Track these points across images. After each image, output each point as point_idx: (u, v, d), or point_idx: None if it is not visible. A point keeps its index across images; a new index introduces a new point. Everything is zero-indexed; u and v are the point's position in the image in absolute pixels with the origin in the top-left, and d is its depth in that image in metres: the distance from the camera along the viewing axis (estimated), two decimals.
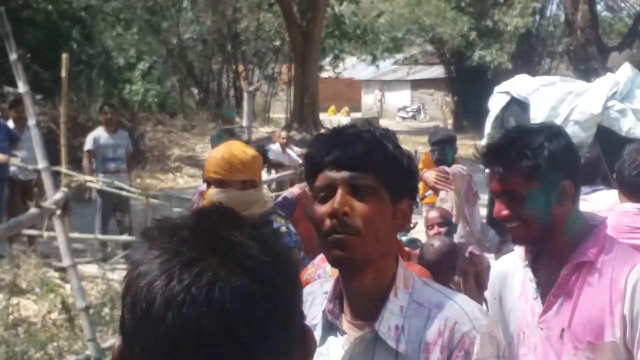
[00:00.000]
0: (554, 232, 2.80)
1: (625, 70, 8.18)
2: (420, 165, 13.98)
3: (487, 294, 3.34)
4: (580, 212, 2.90)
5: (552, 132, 2.79)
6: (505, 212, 2.79)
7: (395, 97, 57.10)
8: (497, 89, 8.99)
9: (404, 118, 54.37)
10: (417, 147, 31.17)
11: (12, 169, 11.91)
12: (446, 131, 7.86)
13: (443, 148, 7.78)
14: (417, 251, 5.44)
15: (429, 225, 6.46)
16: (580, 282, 2.81)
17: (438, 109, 54.06)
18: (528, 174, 2.71)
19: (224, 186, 4.24)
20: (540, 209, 2.76)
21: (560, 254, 2.84)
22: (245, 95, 8.81)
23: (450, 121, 45.37)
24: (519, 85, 8.65)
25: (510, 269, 3.04)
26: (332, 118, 42.29)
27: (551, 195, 2.76)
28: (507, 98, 8.76)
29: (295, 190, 7.68)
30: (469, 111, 41.22)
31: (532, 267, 2.95)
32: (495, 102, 8.94)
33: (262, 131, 28.03)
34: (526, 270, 2.94)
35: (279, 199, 7.68)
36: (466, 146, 33.17)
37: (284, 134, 16.45)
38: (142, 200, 11.82)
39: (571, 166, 2.79)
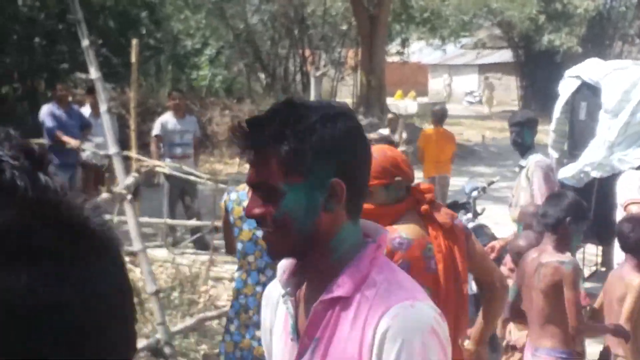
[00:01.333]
0: (318, 248, 2.14)
1: None
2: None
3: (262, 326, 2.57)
4: (359, 224, 2.22)
5: (332, 112, 2.11)
6: (257, 210, 2.13)
7: (463, 82, 56.68)
8: (567, 73, 8.89)
9: (471, 103, 53.95)
10: (485, 132, 31.02)
11: (86, 154, 12.11)
12: (526, 113, 7.57)
13: (521, 130, 7.45)
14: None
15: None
16: (334, 322, 2.14)
17: (506, 94, 53.59)
18: (287, 162, 2.06)
19: None
20: (300, 212, 2.09)
21: (323, 280, 2.16)
22: (312, 79, 8.84)
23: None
24: (590, 69, 8.54)
25: (277, 296, 2.37)
26: (399, 102, 42.17)
27: (317, 196, 2.10)
28: (578, 82, 8.67)
29: None
30: (537, 96, 40.78)
31: (294, 295, 2.28)
32: (566, 87, 8.85)
33: None
34: (285, 299, 2.27)
35: None
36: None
37: None
38: (209, 186, 11.92)
39: (346, 160, 2.10)
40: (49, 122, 11.78)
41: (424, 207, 3.71)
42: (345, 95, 38.77)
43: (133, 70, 12.20)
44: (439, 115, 14.34)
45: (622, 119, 7.77)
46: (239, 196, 4.86)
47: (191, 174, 11.41)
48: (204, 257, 10.48)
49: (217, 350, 7.52)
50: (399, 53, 40.79)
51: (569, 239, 4.98)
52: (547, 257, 4.94)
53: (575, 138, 8.49)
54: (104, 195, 6.05)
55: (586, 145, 8.11)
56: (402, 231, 3.65)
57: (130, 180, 6.54)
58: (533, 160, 6.88)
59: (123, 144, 10.47)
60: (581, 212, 5.03)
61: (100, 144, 11.67)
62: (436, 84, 57.55)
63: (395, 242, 3.61)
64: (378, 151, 3.62)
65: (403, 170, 3.74)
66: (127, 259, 9.93)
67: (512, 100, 51.33)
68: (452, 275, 3.68)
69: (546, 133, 9.55)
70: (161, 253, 10.17)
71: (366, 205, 2.40)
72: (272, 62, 37.10)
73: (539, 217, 5.23)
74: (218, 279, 9.97)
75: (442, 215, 3.72)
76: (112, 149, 6.35)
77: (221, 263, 10.99)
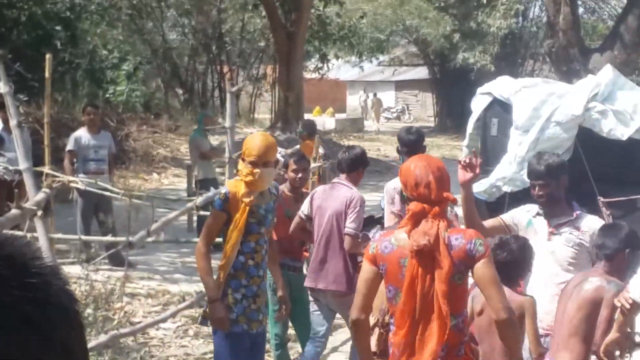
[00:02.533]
0: None
1: (607, 71, 8.23)
2: None
3: None
4: None
5: None
6: None
7: (380, 98, 57.13)
8: (479, 90, 9.03)
9: (388, 119, 54.44)
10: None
11: None
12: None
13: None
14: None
15: None
16: None
17: (422, 110, 54.22)
18: None
19: (268, 166, 5.68)
20: None
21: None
22: (228, 95, 8.82)
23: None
24: (502, 86, 8.69)
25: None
26: (317, 119, 42.31)
27: None
28: (489, 99, 8.80)
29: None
30: (452, 112, 41.39)
31: None
32: (478, 103, 8.98)
33: (246, 132, 28.01)
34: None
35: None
36: (450, 146, 33.42)
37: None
38: (125, 201, 11.82)
39: None
40: None
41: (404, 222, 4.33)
42: (264, 112, 38.84)
43: (47, 85, 11.98)
44: (308, 129, 14.76)
45: (532, 135, 7.92)
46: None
47: (106, 189, 11.29)
48: (120, 273, 10.38)
49: None
50: (317, 69, 40.97)
51: (626, 268, 5.06)
52: (595, 275, 5.07)
53: (487, 153, 8.62)
54: (14, 211, 5.89)
55: (498, 160, 8.24)
56: (393, 237, 4.32)
57: (41, 196, 6.43)
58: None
59: (38, 159, 10.32)
60: (637, 243, 5.13)
61: (12, 159, 11.46)
62: (354, 101, 57.87)
63: (383, 244, 4.31)
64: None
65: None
66: None
67: (429, 117, 51.96)
68: (416, 293, 4.16)
69: (460, 149, 9.71)
70: (75, 269, 10.03)
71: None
72: (190, 78, 36.99)
73: (594, 247, 5.33)
74: (134, 295, 9.90)
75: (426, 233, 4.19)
76: (23, 164, 6.26)
77: (137, 279, 10.91)
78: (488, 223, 5.82)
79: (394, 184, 7.07)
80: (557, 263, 5.60)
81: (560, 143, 7.69)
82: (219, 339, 5.74)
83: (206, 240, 5.83)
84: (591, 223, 5.66)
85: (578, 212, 5.70)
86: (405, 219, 4.34)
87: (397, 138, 7.79)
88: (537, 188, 5.65)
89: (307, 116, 35.15)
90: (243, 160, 5.73)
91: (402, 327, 4.23)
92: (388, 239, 4.34)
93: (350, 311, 4.48)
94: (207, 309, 5.79)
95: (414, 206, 4.25)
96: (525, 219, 5.76)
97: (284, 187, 7.68)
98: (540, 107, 8.07)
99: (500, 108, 8.67)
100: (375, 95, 52.11)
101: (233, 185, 5.79)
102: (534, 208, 5.79)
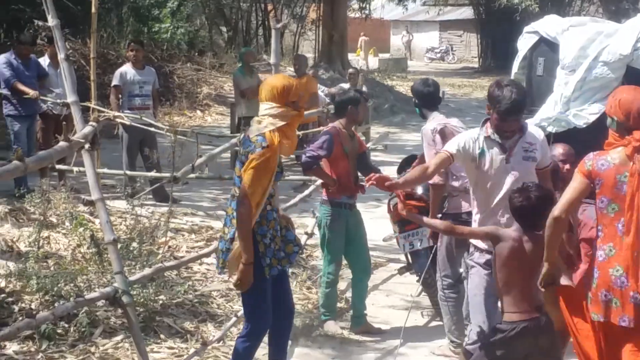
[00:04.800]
0: None
1: None
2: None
3: None
4: None
5: None
6: None
7: (424, 38, 56.67)
8: (526, 28, 8.93)
9: (432, 59, 54.04)
10: (445, 87, 31.11)
11: (47, 104, 11.99)
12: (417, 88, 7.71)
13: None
14: None
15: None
16: None
17: (466, 51, 53.72)
18: None
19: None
20: None
21: None
22: (272, 32, 8.78)
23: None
24: (549, 25, 8.58)
25: None
26: (361, 58, 42.12)
27: None
28: (536, 38, 8.71)
29: (331, 129, 7.71)
30: (497, 53, 40.97)
31: None
32: (524, 42, 8.89)
33: (290, 70, 27.99)
34: None
35: (319, 138, 7.69)
36: None
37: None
38: (169, 137, 11.90)
39: None
40: (6, 72, 11.65)
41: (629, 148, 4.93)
42: (307, 50, 38.67)
43: (93, 20, 12.07)
44: (299, 63, 15.25)
45: (579, 75, 7.83)
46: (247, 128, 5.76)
47: (150, 125, 11.37)
48: (164, 208, 10.50)
49: (175, 301, 7.58)
50: (361, 9, 40.67)
51: None
52: None
53: (533, 93, 8.52)
54: (62, 143, 5.95)
55: (543, 100, 8.17)
56: (610, 155, 4.99)
57: (88, 129, 6.46)
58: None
59: (83, 95, 10.39)
60: None
61: (60, 94, 11.58)
62: (398, 40, 57.50)
63: (599, 162, 4.98)
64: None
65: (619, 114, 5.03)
66: (85, 209, 9.92)
67: (473, 58, 51.49)
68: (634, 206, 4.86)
69: None
70: (120, 204, 10.17)
71: None
72: (234, 16, 36.87)
73: None
74: (178, 231, 10.00)
75: None
76: (70, 97, 6.29)
77: (180, 215, 11.02)
78: (434, 160, 5.95)
79: (432, 126, 7.08)
80: (518, 180, 5.72)
81: (608, 83, 7.60)
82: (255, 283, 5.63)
83: (255, 198, 5.51)
84: (535, 134, 5.96)
85: (523, 125, 5.92)
86: (625, 141, 4.95)
87: (412, 90, 7.63)
88: (513, 123, 5.76)
89: (350, 55, 34.99)
90: (287, 104, 5.61)
91: (622, 235, 4.92)
92: (604, 158, 4.98)
93: (554, 210, 5.01)
94: (227, 261, 5.64)
95: (639, 134, 4.91)
96: (477, 147, 5.80)
97: (340, 124, 7.71)
98: (588, 47, 7.97)
99: (547, 47, 8.58)
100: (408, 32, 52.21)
101: (269, 135, 5.50)
102: (478, 136, 5.84)
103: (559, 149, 6.44)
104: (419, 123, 7.87)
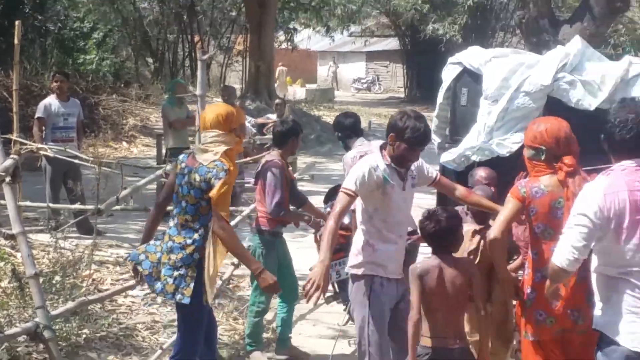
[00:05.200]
0: None
1: (576, 42, 8.27)
2: None
3: None
4: None
5: None
6: None
7: (350, 69, 57.14)
8: (450, 59, 9.04)
9: (359, 89, 54.46)
10: (371, 117, 31.32)
11: None
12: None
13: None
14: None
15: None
16: None
17: (392, 81, 54.25)
18: None
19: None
20: None
21: None
22: (199, 63, 8.77)
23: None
24: (472, 56, 8.70)
25: None
26: (288, 89, 42.24)
27: None
28: (459, 69, 8.81)
29: (277, 163, 7.66)
30: (422, 83, 41.48)
31: None
32: (448, 73, 8.99)
33: (217, 101, 27.93)
34: None
35: (269, 175, 7.61)
36: None
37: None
38: (93, 169, 11.77)
39: None
40: None
41: (561, 174, 5.16)
42: (234, 81, 38.68)
43: (16, 52, 11.89)
44: (227, 94, 15.07)
45: (501, 105, 7.95)
46: (183, 157, 5.95)
47: (75, 157, 11.24)
48: (88, 241, 10.36)
49: (99, 334, 7.47)
50: (288, 40, 40.88)
51: None
52: None
53: (457, 123, 8.64)
54: None
55: (467, 130, 8.27)
56: (542, 183, 5.19)
57: (9, 162, 6.35)
58: None
59: (5, 127, 10.22)
60: None
61: None
62: (325, 71, 57.88)
63: (533, 190, 5.17)
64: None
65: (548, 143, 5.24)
66: (6, 242, 9.73)
67: (399, 87, 52.00)
68: None
69: (431, 120, 9.71)
70: (43, 237, 10.00)
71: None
72: (160, 47, 36.76)
73: None
74: (102, 263, 9.87)
75: (575, 184, 5.10)
76: None
77: (105, 247, 10.88)
78: (339, 204, 5.82)
79: (352, 154, 7.19)
80: (409, 207, 6.02)
81: (529, 113, 7.72)
82: (196, 309, 5.70)
83: (226, 215, 5.69)
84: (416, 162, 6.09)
85: None
86: (557, 168, 5.17)
87: (334, 123, 7.98)
88: (418, 153, 5.90)
89: (278, 87, 35.09)
90: (230, 131, 5.81)
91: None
92: (537, 186, 5.19)
93: (490, 232, 5.25)
94: (205, 282, 5.64)
95: (570, 160, 5.16)
96: (380, 175, 5.81)
97: (278, 155, 7.72)
98: (510, 77, 8.10)
99: (470, 78, 8.68)
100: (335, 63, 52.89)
101: (225, 160, 5.72)
102: (378, 164, 5.86)
103: (481, 173, 6.76)
104: (345, 153, 7.92)
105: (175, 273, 5.67)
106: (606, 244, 4.50)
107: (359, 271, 5.92)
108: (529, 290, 5.27)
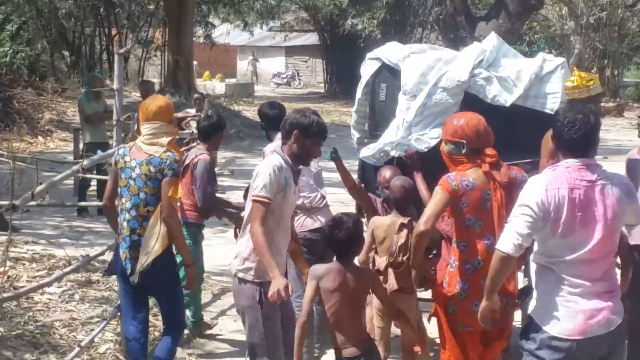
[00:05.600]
0: None
1: (492, 39, 8.37)
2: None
3: None
4: None
5: None
6: None
7: (270, 64, 57.08)
8: (369, 55, 9.07)
9: (278, 84, 54.41)
10: None
11: None
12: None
13: None
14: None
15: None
16: None
17: (312, 76, 54.33)
18: None
19: None
20: None
21: None
22: (116, 57, 8.66)
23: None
24: (390, 52, 8.74)
25: None
26: (207, 83, 42.02)
27: None
28: (378, 64, 8.85)
29: (206, 157, 7.71)
30: (342, 78, 41.65)
31: None
32: (367, 69, 9.01)
33: (135, 95, 27.64)
34: None
35: (200, 161, 7.68)
36: (339, 112, 33.63)
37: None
38: (8, 163, 11.55)
39: None
40: None
41: (485, 166, 5.39)
42: (153, 75, 38.37)
43: None
44: (145, 89, 14.98)
45: (420, 101, 8.00)
46: (124, 152, 6.14)
47: None
48: (3, 237, 10.16)
49: (15, 332, 7.33)
50: (207, 36, 40.69)
51: None
52: None
53: (376, 118, 8.67)
54: None
55: (386, 125, 8.30)
56: (471, 176, 5.37)
57: None
58: None
59: None
60: None
61: None
62: (244, 65, 57.69)
63: (463, 183, 5.33)
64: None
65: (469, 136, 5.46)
66: None
67: (319, 83, 52.12)
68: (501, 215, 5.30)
69: (349, 114, 9.77)
70: None
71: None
72: (77, 40, 36.17)
73: None
74: (18, 260, 9.70)
75: (501, 175, 5.41)
76: None
77: (21, 243, 10.69)
78: (254, 214, 5.63)
79: (272, 147, 7.15)
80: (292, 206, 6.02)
81: (447, 108, 7.79)
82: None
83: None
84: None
85: None
86: (479, 161, 5.40)
87: (259, 113, 7.96)
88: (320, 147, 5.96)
89: (197, 81, 34.88)
90: (170, 121, 6.21)
91: (489, 248, 5.24)
92: (467, 179, 5.36)
93: (419, 224, 5.34)
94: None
95: (491, 151, 5.43)
96: (282, 177, 5.68)
97: (205, 149, 7.81)
98: (428, 73, 8.16)
99: (388, 73, 8.72)
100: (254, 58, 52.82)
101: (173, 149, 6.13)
102: (282, 165, 5.74)
103: (384, 174, 6.98)
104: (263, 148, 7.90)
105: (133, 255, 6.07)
106: (543, 235, 4.69)
107: (248, 276, 5.69)
108: (460, 284, 5.43)
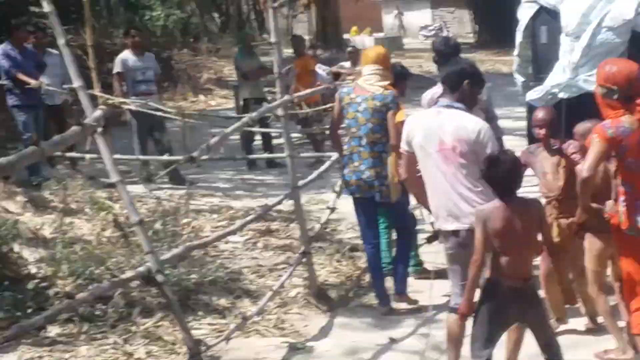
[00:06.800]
0: None
1: None
2: None
3: None
4: None
5: None
6: None
7: (415, 16, 56.54)
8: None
9: (426, 37, 53.89)
10: None
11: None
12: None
13: None
14: None
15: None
16: None
17: (460, 27, 53.65)
18: None
19: None
20: None
21: None
22: (270, 11, 8.68)
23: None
24: None
25: None
26: (357, 38, 42.07)
27: None
28: (535, 7, 8.80)
29: None
30: (491, 26, 40.95)
31: None
32: (524, 12, 8.99)
33: (286, 52, 28.00)
34: None
35: None
36: (492, 61, 33.11)
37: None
38: (177, 121, 11.98)
39: None
40: (4, 63, 11.51)
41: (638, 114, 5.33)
42: (301, 32, 38.66)
43: (86, 8, 12.10)
44: (297, 44, 15.36)
45: (584, 42, 7.93)
46: (348, 90, 7.13)
47: (157, 109, 11.44)
48: (180, 191, 10.56)
49: (207, 279, 7.57)
50: None
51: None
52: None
53: (539, 61, 8.67)
54: (75, 128, 5.69)
55: (550, 68, 8.29)
56: (625, 122, 5.32)
57: (98, 112, 6.20)
58: None
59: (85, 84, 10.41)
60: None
61: (47, 84, 11.62)
62: (390, 20, 57.32)
63: (620, 129, 5.31)
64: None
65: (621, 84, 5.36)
66: (104, 194, 9.86)
67: (467, 33, 51.41)
68: None
69: (504, 63, 9.70)
70: (136, 189, 10.21)
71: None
72: (225, 2, 36.79)
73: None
74: (198, 211, 9.92)
75: None
76: (76, 82, 5.87)
77: (198, 196, 10.98)
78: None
79: (430, 95, 7.16)
80: None
81: (614, 48, 7.70)
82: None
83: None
84: None
85: None
86: (632, 108, 5.34)
87: (434, 48, 7.75)
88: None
89: (345, 36, 35.00)
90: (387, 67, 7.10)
91: None
92: (622, 125, 5.33)
93: (582, 172, 5.42)
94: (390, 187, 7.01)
95: None
96: None
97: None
98: (590, 13, 8.07)
99: (548, 16, 8.68)
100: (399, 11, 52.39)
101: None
102: None
103: (538, 114, 6.46)
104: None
105: (386, 181, 6.92)
106: None
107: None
108: (634, 216, 5.46)
